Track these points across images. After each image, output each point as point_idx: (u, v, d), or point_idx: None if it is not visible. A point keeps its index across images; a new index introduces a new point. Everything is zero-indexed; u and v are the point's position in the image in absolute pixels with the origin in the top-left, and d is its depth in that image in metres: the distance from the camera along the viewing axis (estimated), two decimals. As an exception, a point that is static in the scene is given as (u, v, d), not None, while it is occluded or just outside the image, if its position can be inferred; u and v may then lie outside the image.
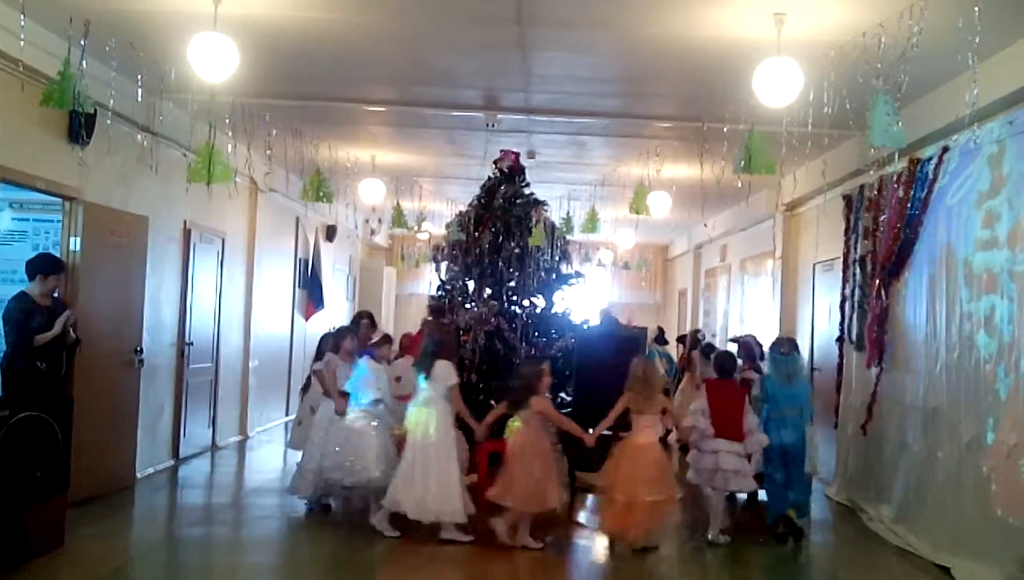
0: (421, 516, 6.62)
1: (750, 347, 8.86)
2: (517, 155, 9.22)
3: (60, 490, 6.02)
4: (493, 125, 8.78)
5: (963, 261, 6.71)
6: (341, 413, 7.10)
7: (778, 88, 5.75)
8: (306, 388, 8.32)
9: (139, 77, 6.61)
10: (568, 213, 10.96)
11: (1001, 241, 6.19)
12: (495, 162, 9.21)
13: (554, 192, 11.32)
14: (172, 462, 9.32)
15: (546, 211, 9.02)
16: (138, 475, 8.36)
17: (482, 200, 8.97)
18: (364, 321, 8.21)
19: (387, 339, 8.23)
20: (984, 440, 6.23)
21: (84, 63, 5.63)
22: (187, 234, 9.54)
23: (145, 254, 8.31)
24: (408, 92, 8.42)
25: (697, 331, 13.34)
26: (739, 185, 7.26)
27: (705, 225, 13.33)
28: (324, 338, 8.10)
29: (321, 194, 9.20)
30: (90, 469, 7.02)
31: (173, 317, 9.32)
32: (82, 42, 5.55)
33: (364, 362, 7.28)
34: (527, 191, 9.11)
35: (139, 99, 6.88)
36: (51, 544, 5.88)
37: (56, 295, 6.71)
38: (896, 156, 6.78)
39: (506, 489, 6.58)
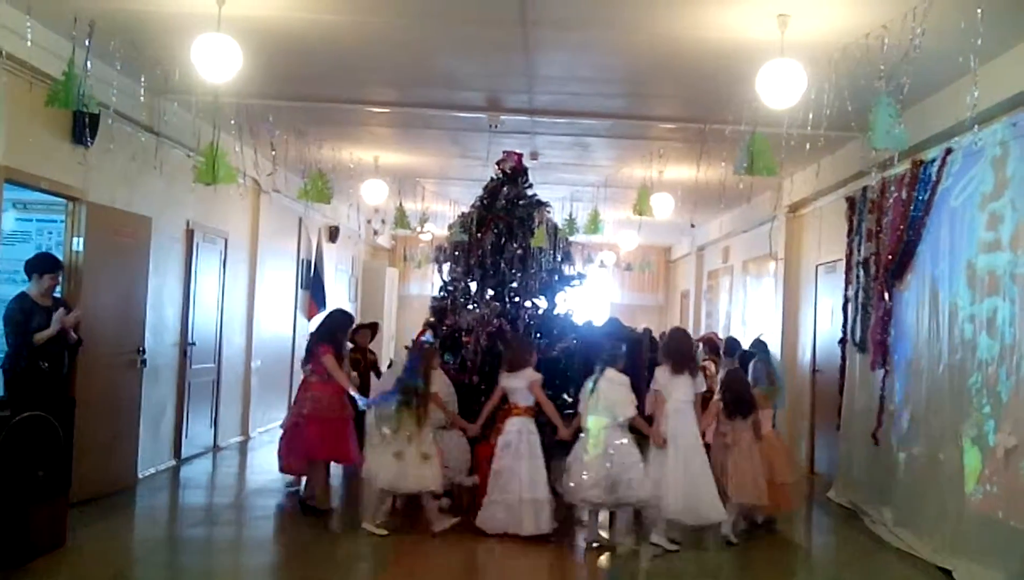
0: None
1: (713, 342, 10.25)
2: (520, 156, 9.21)
3: (62, 490, 6.02)
4: (496, 126, 8.78)
5: (966, 263, 6.70)
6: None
7: (781, 89, 5.75)
8: None
9: (143, 78, 6.62)
10: (571, 214, 10.96)
11: (1004, 243, 6.18)
12: (498, 163, 9.21)
13: (557, 193, 11.32)
14: (174, 462, 9.32)
15: (549, 212, 9.01)
16: (140, 475, 8.37)
17: (485, 201, 8.97)
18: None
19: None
20: (986, 442, 6.22)
21: (89, 64, 5.64)
22: (190, 234, 9.55)
23: (148, 254, 8.31)
24: (411, 93, 8.42)
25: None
26: (740, 186, 7.27)
27: (692, 225, 13.28)
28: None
29: (324, 195, 9.18)
30: (92, 469, 7.03)
31: (176, 317, 9.33)
32: (87, 43, 5.56)
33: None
34: (530, 192, 9.10)
35: (143, 100, 6.90)
36: (53, 544, 5.89)
37: (57, 294, 6.72)
38: (896, 158, 6.79)
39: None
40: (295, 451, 7.63)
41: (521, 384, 7.06)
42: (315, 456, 7.50)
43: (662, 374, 6.97)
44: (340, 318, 8.10)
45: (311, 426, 7.44)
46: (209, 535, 7.13)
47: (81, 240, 7.29)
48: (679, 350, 7.11)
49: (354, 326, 8.88)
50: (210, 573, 6.27)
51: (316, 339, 7.77)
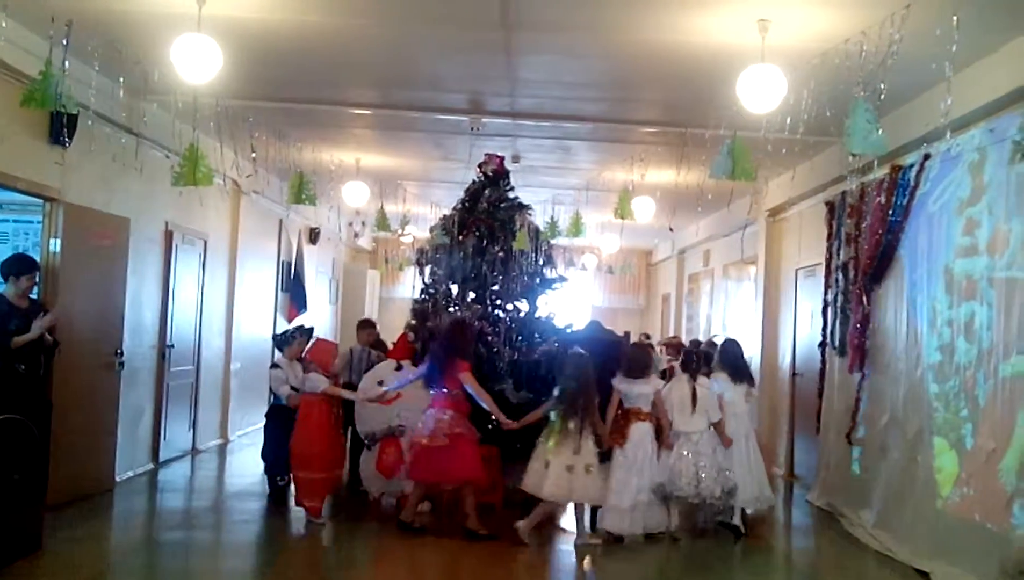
0: None
1: (674, 345, 11.25)
2: (502, 159, 9.22)
3: (38, 493, 5.96)
4: (478, 129, 8.77)
5: (944, 267, 6.76)
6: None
7: (762, 94, 5.78)
8: None
9: (121, 78, 6.57)
10: (552, 217, 10.98)
11: (981, 248, 6.24)
12: (480, 166, 9.21)
13: (538, 196, 11.32)
14: (152, 466, 9.25)
15: (530, 215, 9.02)
16: (117, 478, 8.30)
17: (466, 204, 8.97)
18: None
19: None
20: (963, 445, 6.27)
21: (67, 64, 5.59)
22: (169, 236, 9.48)
23: (126, 256, 8.25)
24: (393, 95, 8.41)
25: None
26: (711, 196, 7.34)
27: (671, 229, 13.33)
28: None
29: (304, 197, 9.16)
30: (69, 472, 6.97)
31: (154, 319, 9.27)
32: (64, 42, 5.51)
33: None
34: (511, 195, 9.10)
35: (122, 100, 6.84)
36: (29, 548, 5.82)
37: (33, 296, 6.64)
38: (876, 164, 6.84)
39: None
40: (430, 470, 7.01)
41: (648, 390, 7.23)
42: (459, 475, 6.98)
43: (722, 382, 7.66)
44: (469, 329, 7.63)
45: (462, 446, 6.96)
46: (187, 539, 7.07)
47: (58, 241, 7.22)
48: (735, 362, 7.90)
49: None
50: (188, 577, 6.22)
51: (449, 354, 7.12)
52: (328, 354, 7.70)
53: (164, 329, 9.46)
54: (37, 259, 6.88)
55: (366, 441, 7.91)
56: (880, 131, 5.22)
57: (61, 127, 6.96)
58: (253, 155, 8.94)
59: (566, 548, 6.96)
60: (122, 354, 8.14)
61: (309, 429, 7.17)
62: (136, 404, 8.85)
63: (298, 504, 7.32)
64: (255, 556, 6.77)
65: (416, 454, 7.00)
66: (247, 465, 10.31)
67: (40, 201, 7.24)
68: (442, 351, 7.16)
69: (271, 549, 6.90)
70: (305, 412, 7.23)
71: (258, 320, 12.61)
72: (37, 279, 6.64)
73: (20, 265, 6.48)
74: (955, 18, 4.75)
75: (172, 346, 9.60)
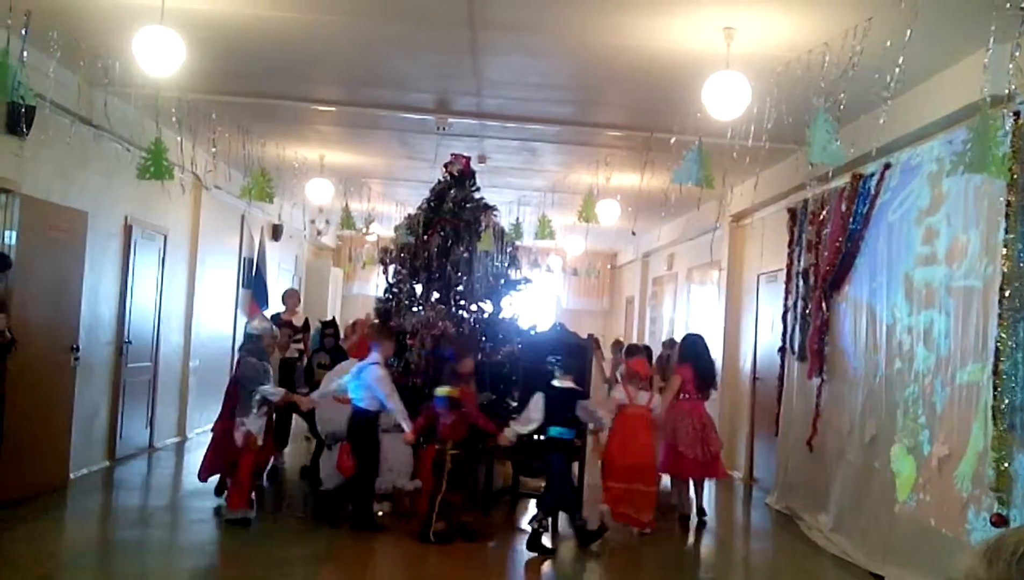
0: None
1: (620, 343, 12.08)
2: (468, 159, 9.18)
3: (-12, 491, 5.85)
4: (444, 128, 8.75)
5: (904, 275, 6.85)
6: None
7: (727, 102, 5.82)
8: None
9: (82, 69, 6.45)
10: (518, 219, 10.98)
11: (940, 257, 6.34)
12: (445, 166, 9.16)
13: (504, 197, 11.32)
14: (107, 463, 9.10)
15: (496, 216, 9.01)
16: (72, 476, 8.16)
17: (432, 203, 8.92)
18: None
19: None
20: (920, 451, 6.36)
21: (25, 54, 5.47)
22: (128, 230, 9.34)
23: (84, 250, 8.11)
24: (358, 93, 8.35)
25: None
26: (675, 199, 7.41)
27: (633, 233, 13.41)
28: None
29: (266, 194, 9.05)
30: (21, 469, 6.84)
31: (111, 315, 9.12)
32: (23, 32, 5.39)
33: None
34: (477, 196, 9.07)
35: (81, 92, 6.72)
36: (-23, 547, 5.72)
37: None
38: (831, 173, 6.92)
39: None
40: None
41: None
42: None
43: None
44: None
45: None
46: (142, 538, 6.96)
47: (14, 233, 7.08)
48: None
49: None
50: (141, 577, 6.13)
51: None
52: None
53: (122, 325, 9.32)
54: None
55: (327, 441, 7.85)
56: (839, 142, 5.27)
57: (19, 118, 6.82)
58: (214, 149, 8.84)
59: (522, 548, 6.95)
60: (78, 349, 8.00)
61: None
62: (92, 400, 8.71)
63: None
64: (211, 556, 6.68)
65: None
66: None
67: (-5, 193, 7.10)
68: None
69: (226, 549, 6.81)
70: None
71: (218, 317, 12.47)
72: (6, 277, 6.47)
73: None
74: (908, 33, 4.81)
75: (130, 342, 9.46)
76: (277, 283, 14.97)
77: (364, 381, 7.16)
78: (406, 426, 7.11)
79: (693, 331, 9.73)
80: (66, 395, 7.96)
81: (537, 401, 7.08)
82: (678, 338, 13.55)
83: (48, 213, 7.53)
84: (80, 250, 8.06)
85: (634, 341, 15.06)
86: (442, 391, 7.03)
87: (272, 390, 7.28)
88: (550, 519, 7.14)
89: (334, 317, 12.71)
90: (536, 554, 6.74)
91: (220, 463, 7.60)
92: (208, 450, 7.85)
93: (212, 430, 7.91)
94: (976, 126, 4.23)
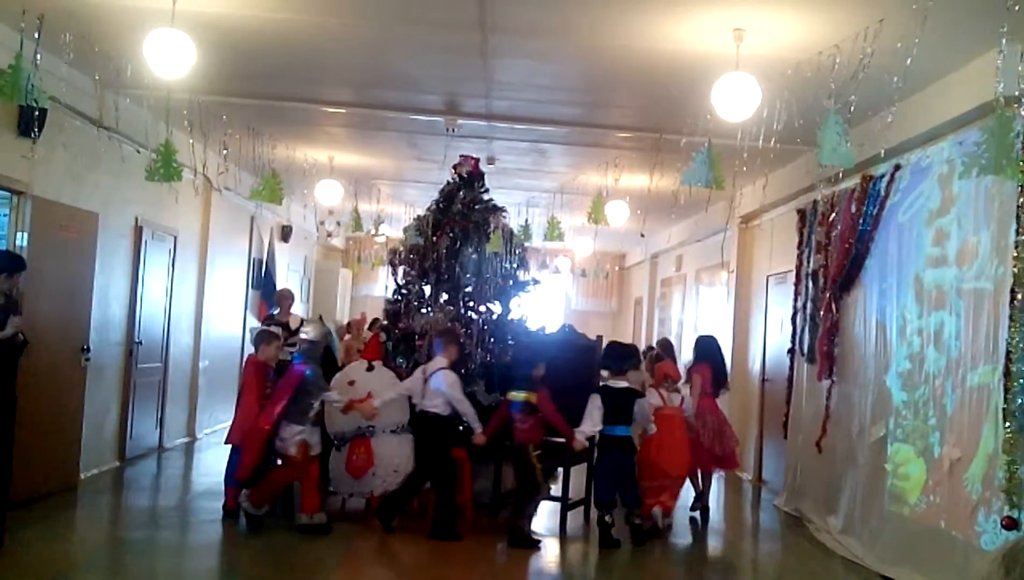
0: None
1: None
2: (477, 161, 9.19)
3: (1, 491, 5.86)
4: (453, 130, 8.77)
5: (914, 277, 6.83)
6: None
7: (736, 103, 5.81)
8: None
9: (96, 74, 6.49)
10: (527, 220, 10.98)
11: (950, 259, 6.32)
12: (454, 167, 9.17)
13: (513, 199, 11.33)
14: (118, 463, 9.14)
15: (504, 217, 9.01)
16: (82, 476, 8.20)
17: (440, 205, 8.93)
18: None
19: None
20: (931, 454, 6.35)
21: (38, 57, 5.50)
22: (138, 231, 9.38)
23: (94, 251, 8.15)
24: (368, 95, 8.37)
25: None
26: (684, 201, 7.41)
27: (642, 235, 13.42)
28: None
29: (276, 195, 9.06)
30: (32, 469, 6.86)
31: (122, 316, 9.16)
32: (36, 35, 5.42)
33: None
34: (486, 197, 9.06)
35: (94, 94, 6.75)
36: (-10, 547, 5.74)
37: (12, 294, 6.47)
38: (840, 174, 6.91)
39: None
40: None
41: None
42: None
43: None
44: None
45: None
46: (152, 538, 6.98)
47: (25, 235, 7.12)
48: None
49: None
50: (152, 577, 6.15)
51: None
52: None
53: (132, 325, 9.36)
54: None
55: (335, 441, 7.86)
56: (848, 144, 5.26)
57: (30, 119, 6.85)
58: (225, 151, 8.87)
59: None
60: (88, 350, 8.04)
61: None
62: (102, 401, 8.75)
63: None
64: (220, 556, 6.70)
65: None
66: (214, 464, 10.21)
67: (7, 194, 7.13)
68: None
69: (236, 549, 6.83)
70: None
71: (227, 318, 12.51)
72: (20, 279, 6.45)
73: (10, 263, 6.31)
74: (917, 34, 4.80)
75: (140, 343, 9.50)
76: (286, 284, 15.02)
77: (435, 386, 7.17)
78: (477, 427, 7.21)
79: (705, 333, 9.76)
80: (77, 395, 8.00)
81: (596, 402, 7.28)
82: (680, 340, 13.62)
83: (59, 214, 7.57)
84: (91, 251, 8.10)
85: (642, 342, 15.07)
86: (519, 396, 7.14)
87: (336, 397, 7.30)
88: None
89: (320, 316, 12.56)
90: (610, 548, 7.04)
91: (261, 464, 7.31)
92: (248, 450, 7.26)
93: (242, 428, 7.40)
94: (990, 127, 4.21)
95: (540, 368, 7.27)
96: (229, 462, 7.54)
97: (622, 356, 7.70)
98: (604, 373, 7.76)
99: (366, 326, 11.52)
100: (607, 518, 7.09)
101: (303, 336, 7.49)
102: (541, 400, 7.11)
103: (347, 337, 11.50)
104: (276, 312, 10.06)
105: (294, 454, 6.99)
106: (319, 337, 7.42)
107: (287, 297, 10.16)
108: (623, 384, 7.43)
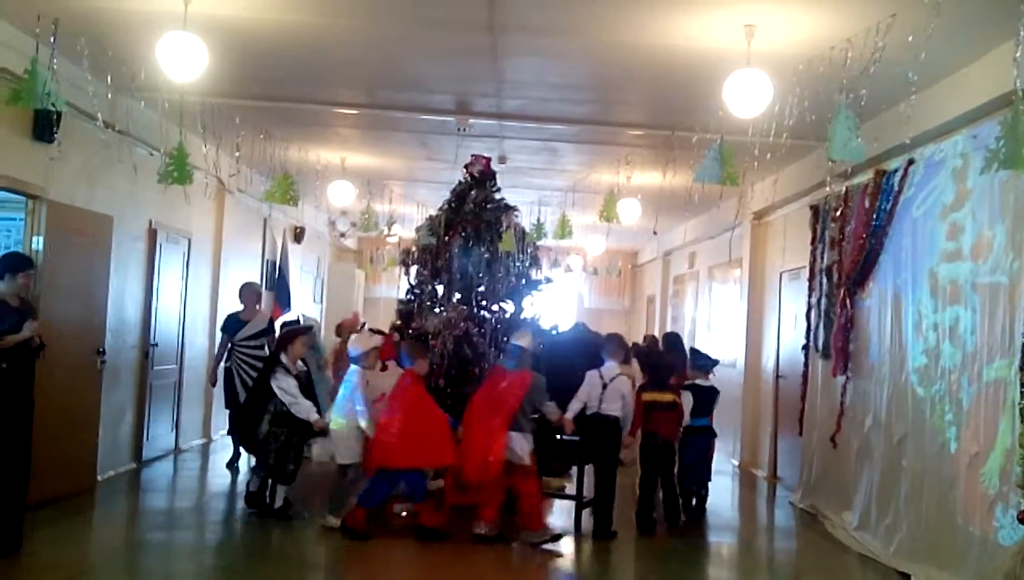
0: None
1: None
2: (488, 160, 9.21)
3: (19, 493, 5.91)
4: (464, 130, 8.77)
5: (928, 272, 6.80)
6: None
7: (748, 99, 5.80)
8: None
9: (109, 77, 6.52)
10: (539, 219, 10.99)
11: (965, 253, 6.29)
12: (466, 166, 9.20)
13: (524, 197, 11.32)
14: (134, 465, 9.19)
15: (516, 216, 9.02)
16: (99, 478, 8.25)
17: (452, 204, 8.96)
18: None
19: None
20: (948, 449, 6.32)
21: (54, 62, 5.54)
22: (153, 234, 9.44)
23: (109, 254, 8.20)
24: (379, 95, 8.39)
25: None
26: (696, 198, 7.41)
27: (655, 233, 13.40)
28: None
29: (289, 197, 9.10)
30: (49, 471, 6.90)
31: (137, 318, 9.21)
32: (51, 40, 5.46)
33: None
34: (498, 196, 9.10)
35: (107, 97, 6.78)
36: (9, 548, 5.77)
37: (26, 296, 6.51)
38: (850, 170, 6.88)
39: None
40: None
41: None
42: None
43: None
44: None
45: None
46: (168, 539, 7.02)
47: (41, 239, 7.17)
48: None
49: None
50: (169, 578, 6.18)
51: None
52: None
53: (147, 328, 9.41)
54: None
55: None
56: (859, 139, 5.24)
57: (45, 124, 6.91)
58: (238, 153, 8.91)
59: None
60: (104, 353, 8.08)
61: None
62: (118, 403, 8.80)
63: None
64: (237, 557, 6.73)
65: None
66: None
67: (23, 198, 7.18)
68: None
69: (253, 549, 6.86)
70: None
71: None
72: (34, 277, 6.49)
73: (16, 261, 6.33)
74: (930, 28, 4.78)
75: (155, 345, 9.55)
76: (300, 285, 15.08)
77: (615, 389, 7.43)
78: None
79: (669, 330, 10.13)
80: (93, 398, 8.04)
81: (688, 398, 8.03)
82: (693, 337, 13.60)
83: (74, 218, 7.62)
84: (106, 254, 8.15)
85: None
86: (665, 398, 7.70)
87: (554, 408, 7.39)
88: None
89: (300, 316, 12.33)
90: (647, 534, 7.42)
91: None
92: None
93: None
94: (1008, 121, 4.18)
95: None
96: (376, 483, 6.99)
97: (702, 355, 8.70)
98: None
99: (357, 327, 11.44)
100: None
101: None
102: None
103: (337, 340, 11.05)
104: (239, 311, 9.60)
105: (529, 463, 7.00)
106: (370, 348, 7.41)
107: (251, 292, 9.68)
108: (708, 382, 8.35)
